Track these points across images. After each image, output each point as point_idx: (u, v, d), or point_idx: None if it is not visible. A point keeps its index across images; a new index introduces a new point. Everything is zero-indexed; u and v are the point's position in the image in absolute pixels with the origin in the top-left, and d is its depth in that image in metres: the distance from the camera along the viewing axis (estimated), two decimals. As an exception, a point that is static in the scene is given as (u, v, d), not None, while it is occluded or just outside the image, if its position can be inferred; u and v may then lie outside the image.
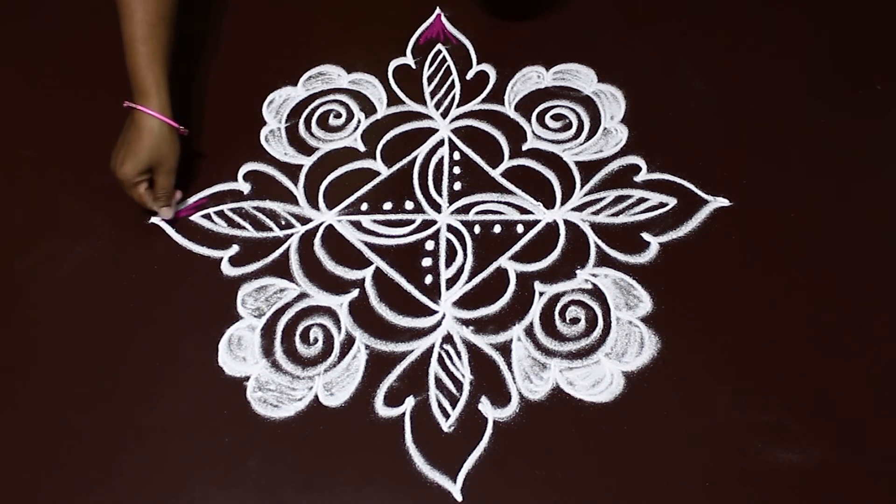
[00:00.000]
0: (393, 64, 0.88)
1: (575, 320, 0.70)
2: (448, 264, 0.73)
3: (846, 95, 0.83)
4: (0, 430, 0.66)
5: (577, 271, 0.72)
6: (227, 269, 0.74)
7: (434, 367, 0.68)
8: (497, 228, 0.75)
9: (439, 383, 0.67)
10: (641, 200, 0.76)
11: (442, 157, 0.80)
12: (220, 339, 0.70)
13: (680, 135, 0.80)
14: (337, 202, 0.78)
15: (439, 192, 0.78)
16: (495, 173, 0.79)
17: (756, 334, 0.68)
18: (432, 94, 0.85)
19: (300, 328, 0.70)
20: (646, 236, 0.74)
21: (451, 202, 0.77)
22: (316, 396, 0.67)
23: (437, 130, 0.82)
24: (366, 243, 0.75)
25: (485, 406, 0.66)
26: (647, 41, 0.88)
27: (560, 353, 0.68)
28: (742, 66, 0.85)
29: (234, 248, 0.75)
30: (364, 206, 0.77)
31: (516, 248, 0.74)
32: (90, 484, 0.63)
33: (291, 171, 0.80)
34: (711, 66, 0.85)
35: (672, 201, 0.76)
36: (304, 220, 0.77)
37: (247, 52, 0.89)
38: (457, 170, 0.79)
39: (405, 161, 0.80)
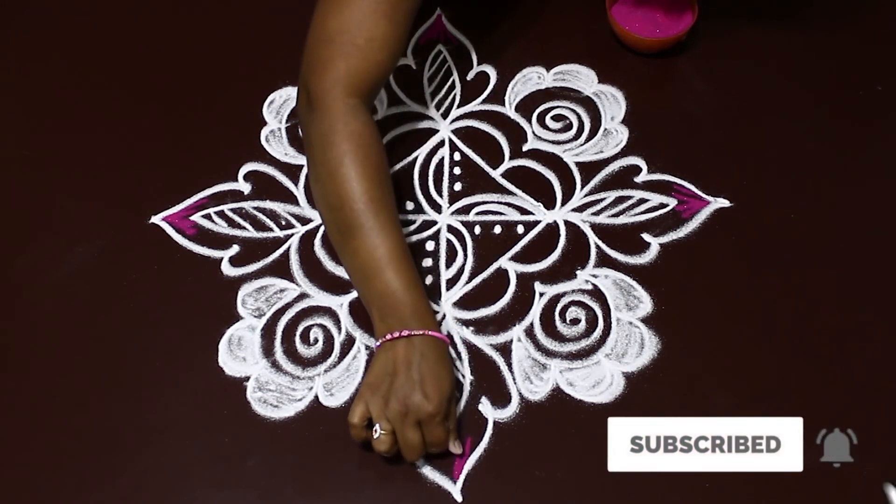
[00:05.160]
0: (393, 64, 0.88)
1: (575, 321, 0.70)
2: (448, 265, 0.73)
3: (847, 96, 0.83)
4: (0, 430, 0.66)
5: (578, 272, 0.72)
6: (228, 270, 0.74)
7: (434, 368, 0.67)
8: (497, 229, 0.75)
9: (439, 384, 0.67)
10: (642, 201, 0.76)
11: (442, 158, 0.80)
12: (220, 339, 0.70)
13: (680, 135, 0.80)
14: (337, 202, 0.78)
15: (440, 193, 0.78)
16: (496, 174, 0.79)
17: (756, 335, 0.68)
18: (433, 95, 0.85)
19: (300, 328, 0.70)
20: (646, 237, 0.74)
21: (451, 203, 0.77)
22: (316, 397, 0.67)
23: (437, 131, 0.82)
24: (366, 244, 0.75)
25: (485, 406, 0.66)
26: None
27: (560, 354, 0.68)
28: (742, 66, 0.85)
29: (235, 248, 0.75)
30: (364, 207, 0.77)
31: (516, 248, 0.74)
32: (90, 484, 0.63)
33: (292, 171, 0.80)
34: (712, 67, 0.85)
35: (672, 202, 0.76)
36: (304, 221, 0.77)
37: (247, 52, 0.89)
38: (457, 170, 0.79)
39: (405, 161, 0.80)
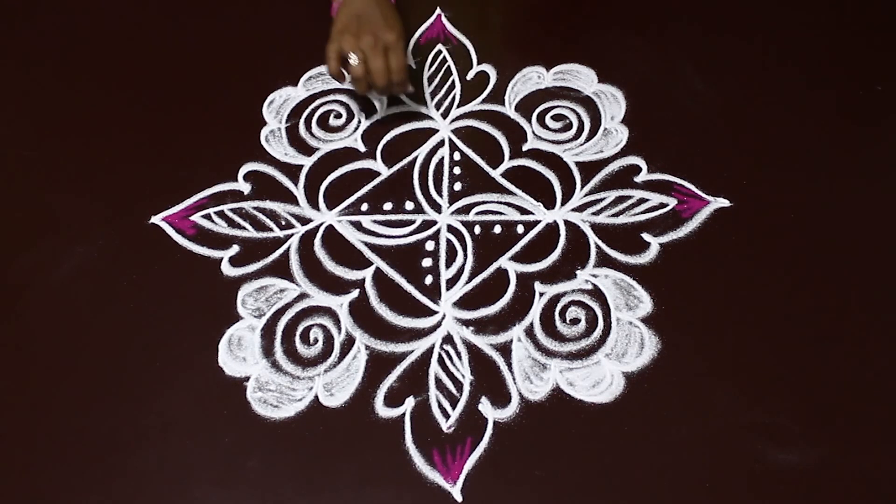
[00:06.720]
0: (393, 64, 0.88)
1: (575, 321, 0.70)
2: (448, 265, 0.73)
3: (846, 96, 0.83)
4: (0, 430, 0.66)
5: (578, 272, 0.72)
6: (228, 270, 0.74)
7: (434, 368, 0.68)
8: (497, 229, 0.75)
9: (439, 384, 0.67)
10: (642, 201, 0.76)
11: (442, 158, 0.80)
12: (220, 339, 0.70)
13: (680, 135, 0.81)
14: (337, 202, 0.78)
15: (439, 193, 0.78)
16: (495, 174, 0.79)
17: (756, 335, 0.68)
18: (433, 95, 0.85)
19: (300, 328, 0.70)
20: (646, 237, 0.74)
21: (451, 202, 0.77)
22: (316, 397, 0.67)
23: (437, 131, 0.82)
24: (366, 244, 0.75)
25: (485, 406, 0.66)
26: (648, 41, 0.88)
27: (560, 354, 0.68)
28: (742, 66, 0.85)
29: (235, 249, 0.75)
30: (364, 207, 0.77)
31: (516, 248, 0.74)
32: (90, 484, 0.63)
33: (292, 171, 0.80)
34: (711, 67, 0.85)
35: (672, 202, 0.76)
36: (304, 221, 0.77)
37: (247, 52, 0.89)
38: (457, 170, 0.79)
39: (405, 161, 0.80)
